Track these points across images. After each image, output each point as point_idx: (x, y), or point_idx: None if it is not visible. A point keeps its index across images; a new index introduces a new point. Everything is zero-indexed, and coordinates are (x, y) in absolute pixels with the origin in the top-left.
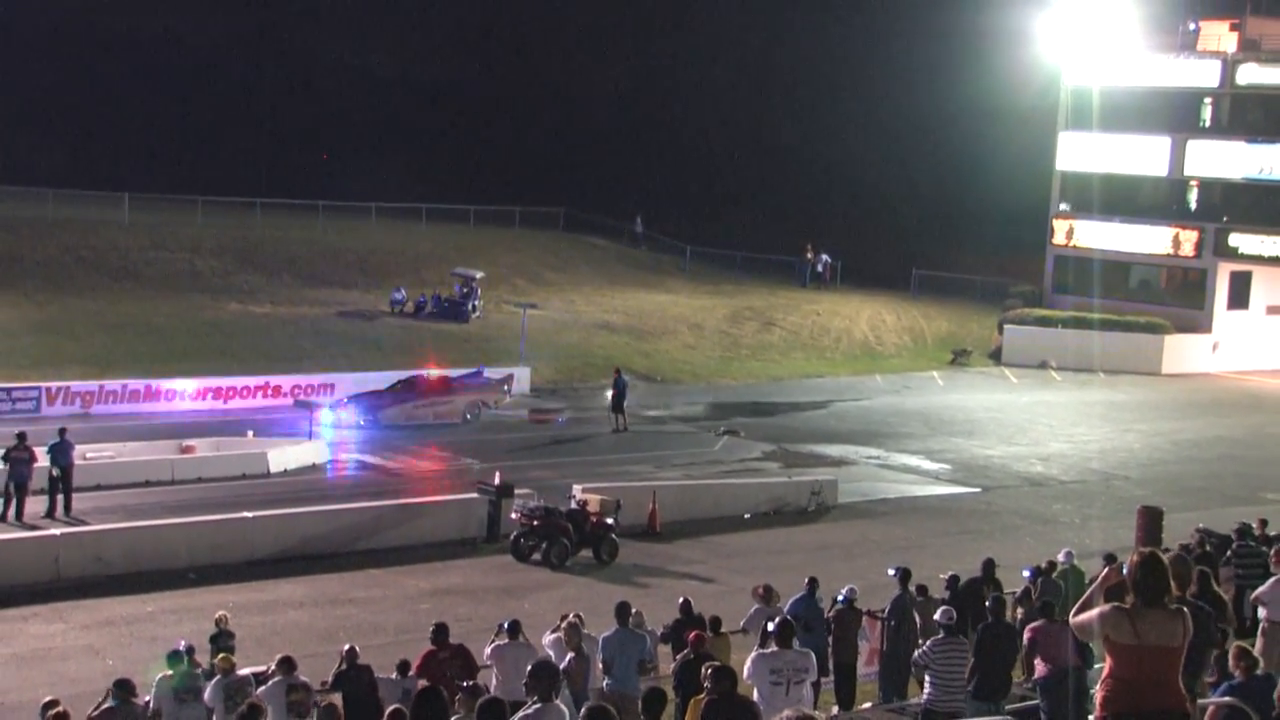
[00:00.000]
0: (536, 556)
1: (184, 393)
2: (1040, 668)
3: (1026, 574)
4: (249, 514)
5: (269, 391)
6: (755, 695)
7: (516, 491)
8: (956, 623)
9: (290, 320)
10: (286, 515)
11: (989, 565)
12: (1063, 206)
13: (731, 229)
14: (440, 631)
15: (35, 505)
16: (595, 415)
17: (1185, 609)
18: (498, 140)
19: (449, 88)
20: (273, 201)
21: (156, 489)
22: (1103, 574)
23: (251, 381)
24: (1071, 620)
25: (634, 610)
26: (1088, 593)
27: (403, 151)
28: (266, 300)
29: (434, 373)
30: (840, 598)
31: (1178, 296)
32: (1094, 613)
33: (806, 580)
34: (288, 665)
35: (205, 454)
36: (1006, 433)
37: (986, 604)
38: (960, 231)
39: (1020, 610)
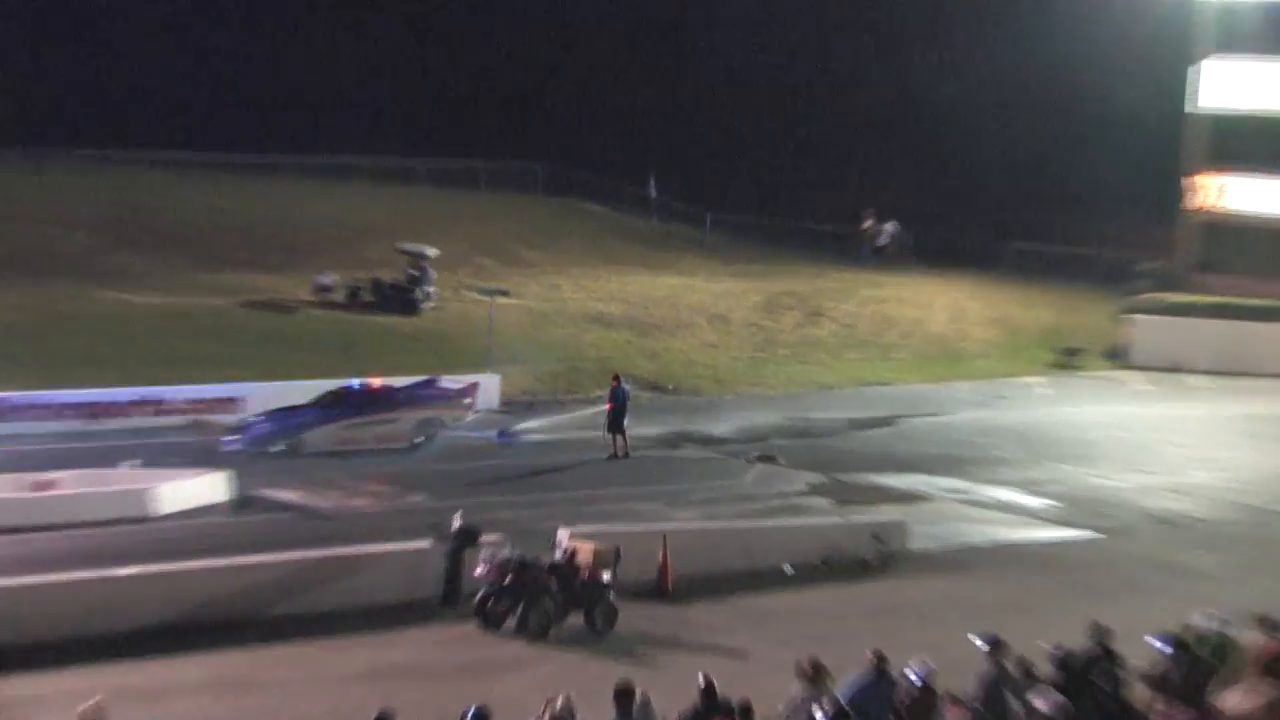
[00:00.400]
0: (510, 624)
1: (41, 410)
2: None
3: (1159, 645)
4: (128, 570)
5: (155, 408)
6: None
7: (483, 538)
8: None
9: (183, 314)
10: (178, 572)
11: (1100, 633)
12: (1205, 160)
13: (765, 190)
14: None
15: None
16: (584, 437)
17: None
18: (456, 76)
19: (391, 5)
20: (160, 157)
21: (2, 539)
22: (1262, 647)
23: (132, 395)
24: (1226, 709)
25: (640, 694)
26: (1244, 673)
27: (332, 92)
28: (151, 288)
29: (373, 382)
30: (912, 676)
31: None
32: (1259, 701)
33: (869, 655)
34: None
35: (70, 491)
36: (1131, 457)
37: (1106, 687)
38: (1068, 193)
39: (1150, 691)
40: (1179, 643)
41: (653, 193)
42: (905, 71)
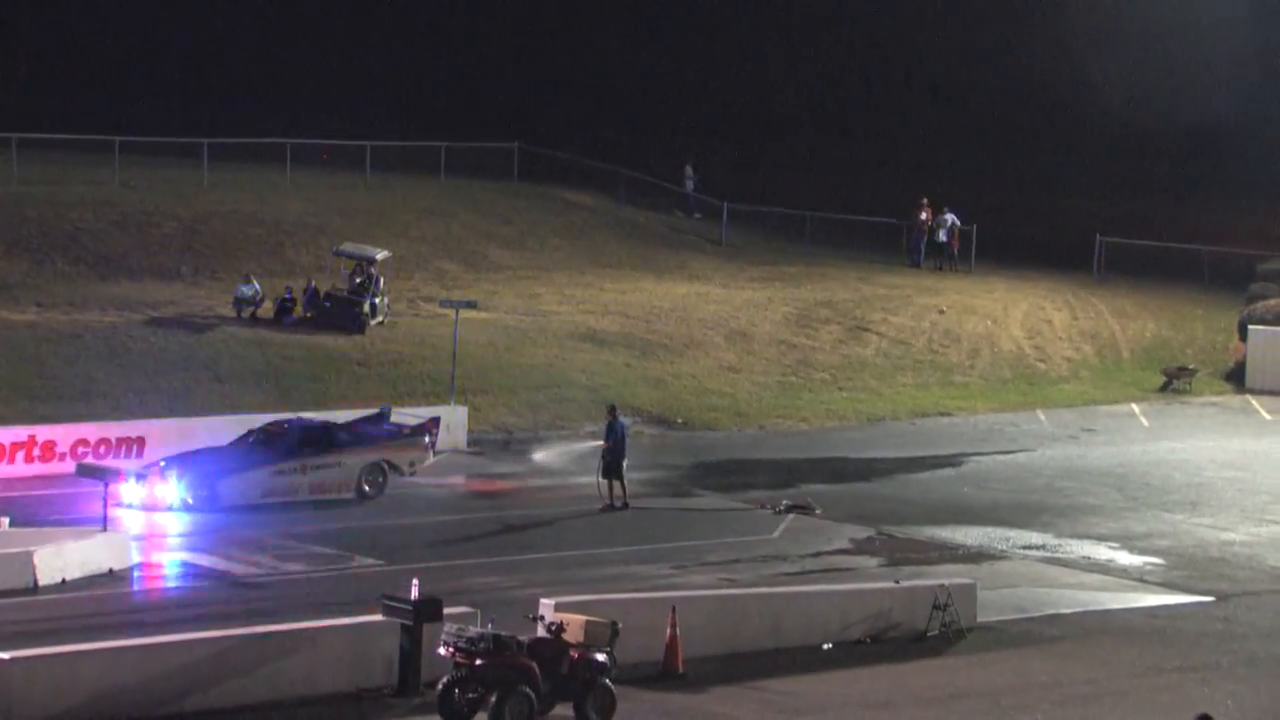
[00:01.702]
0: (482, 717)
1: None
2: None
3: None
4: (4, 655)
5: (36, 452)
6: None
7: (448, 612)
8: None
9: (70, 334)
10: (66, 656)
11: None
12: None
13: (795, 177)
14: None
15: None
16: (575, 486)
17: None
18: (409, 39)
19: None
20: (38, 138)
21: None
22: None
23: (6, 435)
24: None
25: None
26: None
27: (254, 60)
28: (30, 303)
29: (309, 418)
30: None
31: None
32: None
33: None
34: None
35: None
36: (1256, 504)
37: None
38: (1172, 175)
39: None
40: None
41: (692, 184)
42: (970, 34)
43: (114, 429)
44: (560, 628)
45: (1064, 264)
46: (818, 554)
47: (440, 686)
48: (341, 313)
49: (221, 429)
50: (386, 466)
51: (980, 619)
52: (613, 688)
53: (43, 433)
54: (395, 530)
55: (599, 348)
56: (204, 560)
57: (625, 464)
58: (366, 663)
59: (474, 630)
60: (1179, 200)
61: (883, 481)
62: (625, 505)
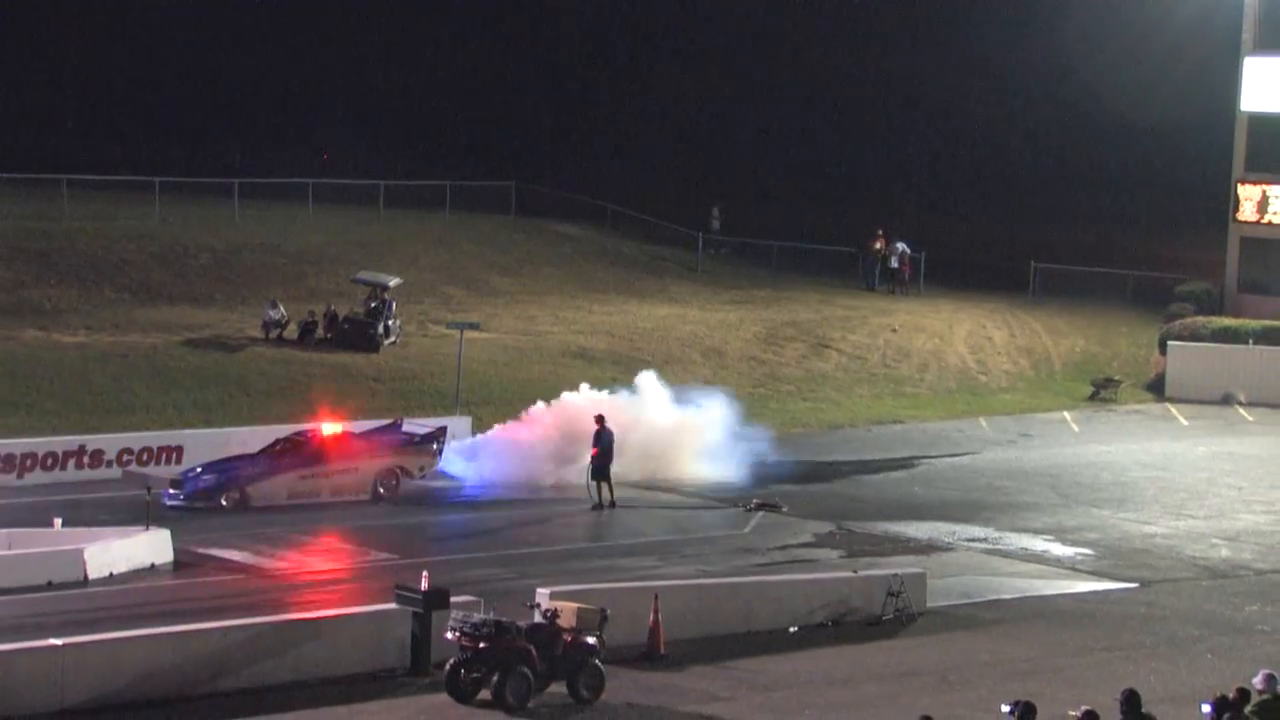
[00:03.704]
0: (485, 694)
1: None
2: None
3: (1206, 710)
4: (58, 641)
5: (85, 459)
6: None
7: (454, 600)
8: None
9: (116, 354)
10: (113, 642)
11: (1130, 700)
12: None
13: (765, 210)
14: None
15: None
16: (568, 488)
17: None
18: (416, 88)
19: (342, 8)
20: (87, 179)
21: None
22: None
23: (59, 444)
24: None
25: None
26: None
27: (278, 107)
28: (80, 325)
29: (330, 427)
30: None
31: None
32: None
33: None
34: None
35: None
36: (1174, 500)
37: None
38: (1100, 207)
39: None
40: (1225, 704)
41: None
42: (918, 79)
43: (155, 439)
44: (555, 614)
45: (1003, 287)
46: (784, 547)
47: (448, 667)
48: (358, 334)
49: (251, 439)
50: (399, 471)
51: (930, 604)
52: (602, 667)
53: (91, 442)
54: (406, 527)
55: (588, 364)
56: (236, 555)
57: (612, 468)
58: (382, 646)
59: (478, 617)
60: (1106, 229)
61: (842, 482)
62: (613, 505)
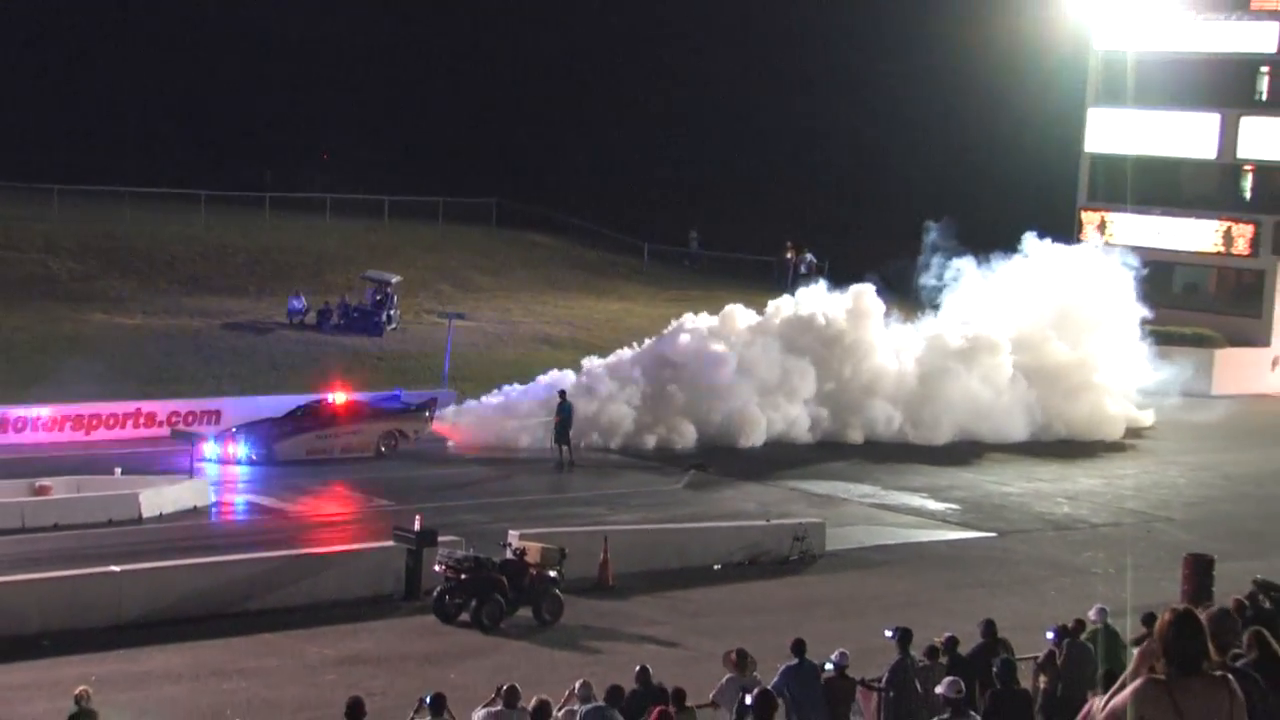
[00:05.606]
0: (465, 617)
1: (37, 422)
2: None
3: (1050, 636)
4: (116, 568)
5: (140, 420)
6: None
7: (440, 539)
8: (966, 695)
9: (166, 334)
10: (162, 569)
11: (989, 628)
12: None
13: (696, 223)
14: (354, 709)
15: None
16: (535, 449)
17: (1231, 677)
18: (415, 116)
19: (355, 51)
20: (144, 191)
21: (3, 538)
22: (1143, 647)
23: (119, 408)
24: (1102, 712)
25: (582, 681)
26: (1125, 673)
27: (301, 130)
28: (137, 310)
29: (341, 397)
30: (829, 664)
31: (1230, 303)
32: (1125, 693)
33: (791, 644)
34: None
35: (63, 495)
36: (1026, 467)
37: (994, 670)
38: (973, 225)
39: (1043, 678)
40: (1065, 631)
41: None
42: (821, 112)
43: (198, 404)
44: (523, 552)
45: (898, 290)
46: (711, 499)
47: (435, 594)
48: (366, 321)
49: (277, 405)
50: (397, 434)
51: (829, 548)
52: (561, 596)
53: (146, 406)
54: (403, 479)
55: (553, 348)
56: (264, 500)
57: (571, 433)
58: (382, 576)
59: (460, 553)
60: (969, 242)
61: (760, 449)
62: (572, 464)
